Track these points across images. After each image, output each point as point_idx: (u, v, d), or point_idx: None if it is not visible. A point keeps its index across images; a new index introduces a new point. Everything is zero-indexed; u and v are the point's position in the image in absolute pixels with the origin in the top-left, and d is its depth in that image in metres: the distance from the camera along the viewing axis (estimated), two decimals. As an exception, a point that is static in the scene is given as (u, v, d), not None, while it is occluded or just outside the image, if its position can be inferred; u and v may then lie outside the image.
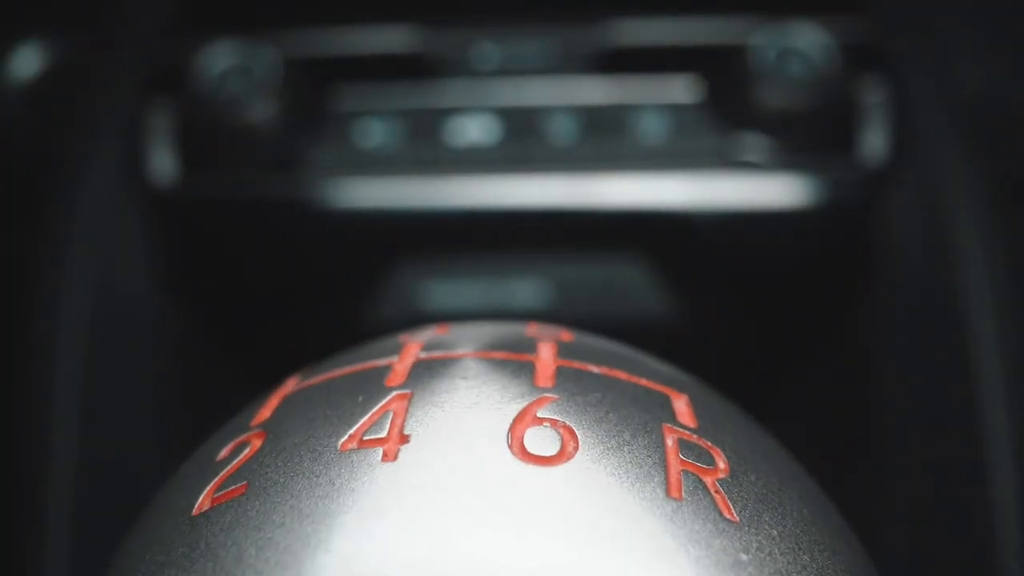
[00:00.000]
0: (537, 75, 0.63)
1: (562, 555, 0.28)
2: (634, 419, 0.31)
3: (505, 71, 0.63)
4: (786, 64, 0.61)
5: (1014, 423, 0.57)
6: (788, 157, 0.60)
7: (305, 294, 0.66)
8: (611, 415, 0.31)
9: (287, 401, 0.33)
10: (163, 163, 0.61)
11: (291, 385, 0.34)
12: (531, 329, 0.36)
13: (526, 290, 0.63)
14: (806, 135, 0.61)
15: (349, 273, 0.64)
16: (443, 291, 0.63)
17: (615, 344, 0.37)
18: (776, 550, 0.30)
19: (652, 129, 0.61)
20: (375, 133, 0.62)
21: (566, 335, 0.35)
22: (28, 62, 0.70)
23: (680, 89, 0.62)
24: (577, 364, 0.33)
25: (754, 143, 0.61)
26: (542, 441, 0.30)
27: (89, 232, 0.63)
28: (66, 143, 0.66)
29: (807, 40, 0.61)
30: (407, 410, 0.31)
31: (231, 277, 0.66)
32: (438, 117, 0.62)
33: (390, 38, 0.64)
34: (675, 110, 0.61)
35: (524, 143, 0.61)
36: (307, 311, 0.66)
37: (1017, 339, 0.60)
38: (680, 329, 0.63)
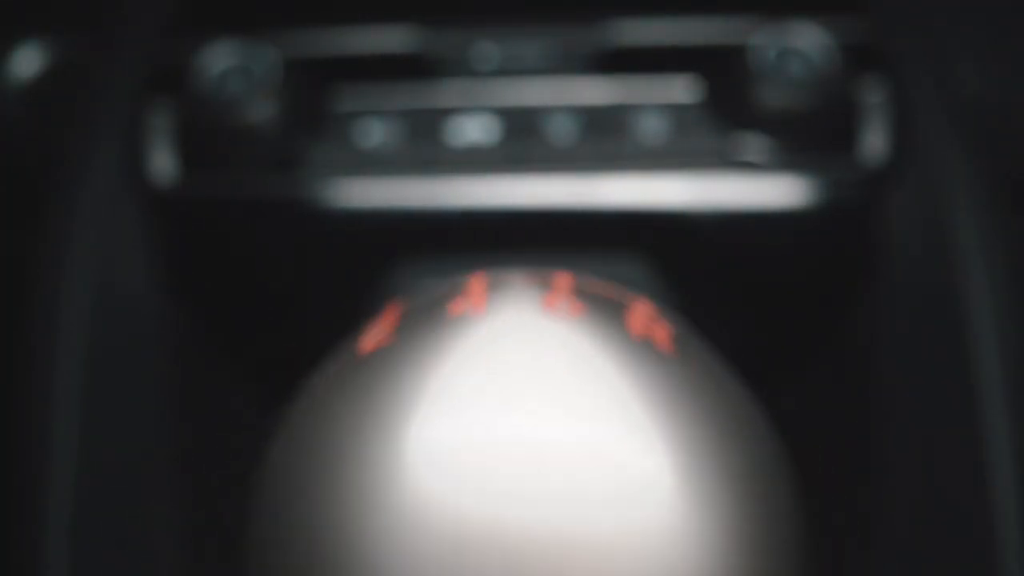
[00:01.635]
0: (537, 75, 0.63)
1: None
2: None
3: (505, 71, 0.63)
4: (786, 64, 0.61)
5: (1014, 423, 0.57)
6: (788, 157, 0.60)
7: (305, 294, 0.66)
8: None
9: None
10: (163, 163, 0.61)
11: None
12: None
13: (526, 290, 0.63)
14: (806, 135, 0.61)
15: (349, 273, 0.64)
16: (443, 291, 0.63)
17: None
18: None
19: (652, 129, 0.61)
20: (375, 133, 0.62)
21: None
22: (28, 62, 0.70)
23: (680, 89, 0.62)
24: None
25: (754, 143, 0.61)
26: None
27: (89, 232, 0.63)
28: (66, 143, 0.66)
29: (807, 40, 0.61)
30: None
31: (231, 277, 0.66)
32: (438, 117, 0.62)
33: (390, 38, 0.64)
34: (675, 110, 0.61)
35: (524, 143, 0.61)
36: (307, 311, 0.66)
37: (1017, 339, 0.60)
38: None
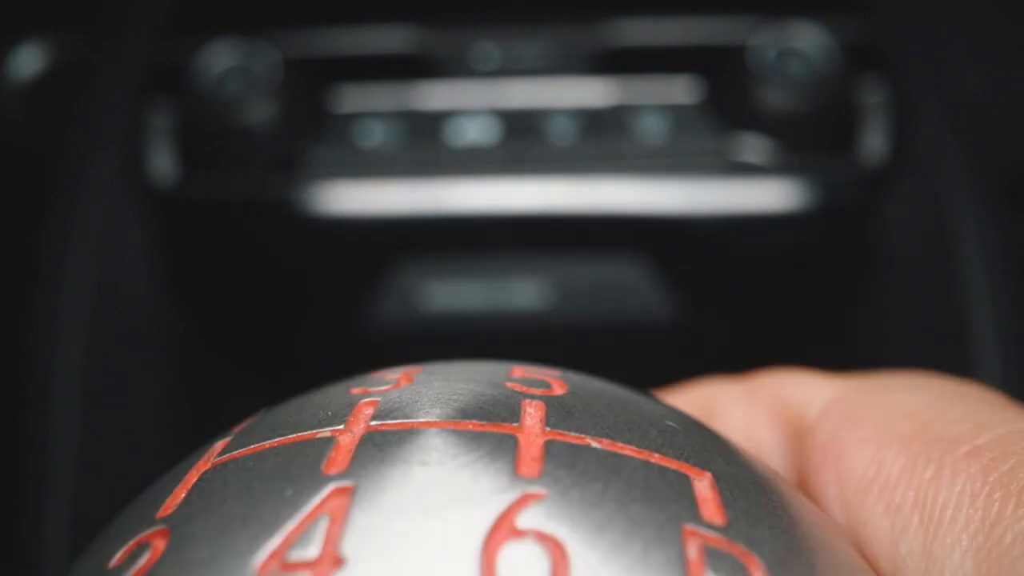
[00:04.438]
0: (537, 75, 0.63)
1: None
2: (647, 522, 0.24)
3: (505, 71, 0.63)
4: (786, 64, 0.61)
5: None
6: (788, 157, 0.60)
7: (305, 294, 0.66)
8: (616, 518, 0.23)
9: (203, 483, 0.26)
10: (163, 163, 0.61)
11: (214, 454, 0.27)
12: (515, 379, 0.28)
13: (526, 290, 0.63)
14: (806, 135, 0.61)
15: (349, 273, 0.64)
16: (443, 291, 0.63)
17: (618, 391, 0.29)
18: None
19: (652, 129, 0.61)
20: (375, 133, 0.62)
21: (558, 385, 0.28)
22: (28, 62, 0.70)
23: (680, 89, 0.62)
24: (571, 436, 0.26)
25: (754, 143, 0.61)
26: (524, 567, 0.22)
27: (89, 232, 0.63)
28: (66, 143, 0.66)
29: (807, 40, 0.61)
30: (346, 515, 0.23)
31: (231, 277, 0.66)
32: (438, 118, 0.62)
33: (390, 38, 0.64)
34: (675, 110, 0.61)
35: (524, 143, 0.61)
36: (307, 311, 0.66)
37: (1017, 339, 0.60)
38: (680, 330, 0.63)
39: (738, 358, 0.67)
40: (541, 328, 0.63)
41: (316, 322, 0.66)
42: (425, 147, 0.61)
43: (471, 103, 0.62)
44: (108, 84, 0.66)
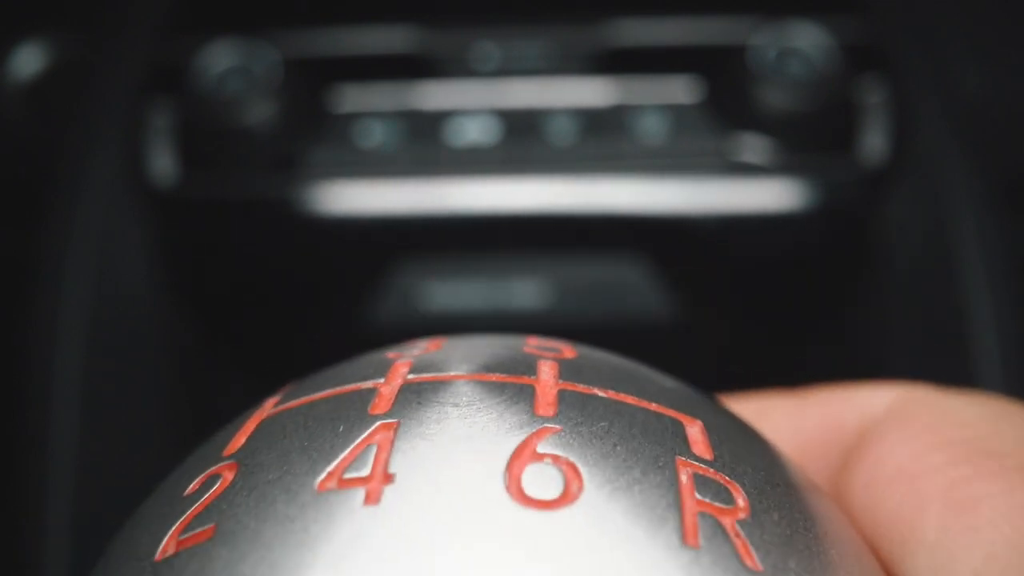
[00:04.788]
0: (537, 75, 0.63)
1: None
2: (645, 452, 0.28)
3: (505, 71, 0.63)
4: (786, 64, 0.61)
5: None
6: (788, 157, 0.60)
7: (305, 294, 0.66)
8: (619, 448, 0.28)
9: (263, 427, 0.30)
10: (163, 163, 0.61)
11: (268, 408, 0.32)
12: (530, 345, 0.33)
13: (526, 291, 0.63)
14: (806, 135, 0.61)
15: (349, 273, 0.64)
16: (443, 291, 0.63)
17: (621, 360, 0.34)
18: None
19: (652, 129, 0.61)
20: (375, 133, 0.62)
21: (568, 351, 0.33)
22: (28, 62, 0.70)
23: (680, 89, 0.62)
24: (581, 387, 0.30)
25: (754, 143, 0.61)
26: (543, 481, 0.27)
27: (89, 232, 0.63)
28: (66, 143, 0.66)
29: (807, 40, 0.61)
30: (392, 443, 0.28)
31: (231, 277, 0.66)
32: (438, 118, 0.62)
33: (390, 38, 0.64)
34: (675, 110, 0.61)
35: (524, 143, 0.61)
36: (307, 311, 0.66)
37: (1017, 339, 0.60)
38: (680, 330, 0.63)
39: (738, 358, 0.67)
40: (541, 328, 0.63)
41: (316, 322, 0.66)
42: (425, 147, 0.61)
43: (471, 103, 0.62)
44: (108, 84, 0.66)
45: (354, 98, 0.62)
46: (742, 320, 0.66)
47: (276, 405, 0.31)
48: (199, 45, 0.62)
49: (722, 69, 0.61)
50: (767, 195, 0.61)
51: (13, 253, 0.67)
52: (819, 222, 0.61)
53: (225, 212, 0.63)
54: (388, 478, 0.27)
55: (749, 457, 0.30)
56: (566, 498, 0.26)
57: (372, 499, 0.26)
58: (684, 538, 0.26)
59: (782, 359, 0.67)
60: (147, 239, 0.64)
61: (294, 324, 0.67)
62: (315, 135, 0.61)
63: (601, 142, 0.61)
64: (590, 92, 0.62)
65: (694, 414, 0.30)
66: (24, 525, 0.59)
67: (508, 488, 0.26)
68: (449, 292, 0.63)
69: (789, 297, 0.66)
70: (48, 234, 0.64)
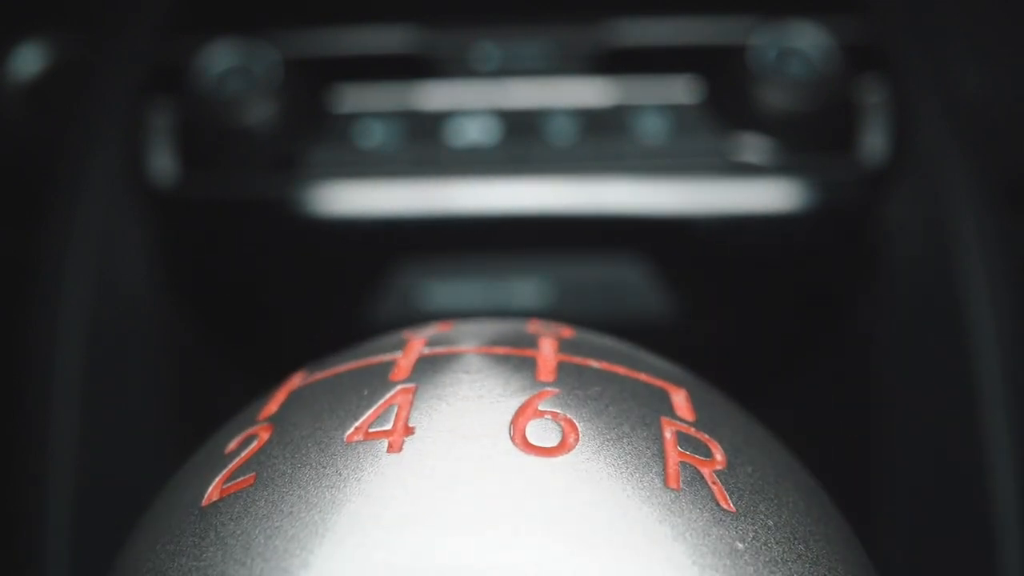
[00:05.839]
0: (537, 75, 0.63)
1: (560, 545, 0.28)
2: (633, 412, 0.32)
3: (505, 71, 0.63)
4: (786, 64, 0.61)
5: (1014, 423, 0.57)
6: (788, 157, 0.61)
7: (305, 294, 0.66)
8: (611, 408, 0.32)
9: (294, 395, 0.34)
10: (163, 163, 0.62)
11: (297, 380, 0.35)
12: (533, 325, 0.36)
13: (526, 290, 0.63)
14: (806, 135, 0.61)
15: (349, 273, 0.64)
16: (443, 292, 0.63)
17: (615, 340, 0.37)
18: (771, 539, 0.30)
19: (652, 130, 0.61)
20: (375, 134, 0.62)
21: (567, 331, 0.36)
22: (28, 62, 0.70)
23: (680, 89, 0.62)
24: (577, 359, 0.34)
25: (754, 143, 0.61)
26: (543, 433, 0.31)
27: (89, 232, 0.63)
28: (66, 143, 0.66)
29: (807, 40, 0.61)
30: (411, 403, 0.31)
31: (231, 277, 0.66)
32: (438, 118, 0.62)
33: (390, 38, 0.64)
34: (675, 110, 0.61)
35: (524, 144, 0.61)
36: (307, 311, 0.66)
37: (1017, 339, 0.60)
38: (680, 330, 0.63)
39: (738, 358, 0.67)
40: (541, 328, 0.63)
41: (316, 322, 0.66)
42: (425, 147, 0.61)
43: (471, 103, 0.62)
44: (108, 84, 0.66)
45: (354, 98, 0.62)
46: (742, 320, 0.66)
47: (304, 378, 0.35)
48: (199, 45, 0.62)
49: (722, 69, 0.61)
50: (767, 195, 0.61)
51: (13, 253, 0.67)
52: (819, 222, 0.61)
53: (225, 212, 0.63)
54: (408, 431, 0.30)
55: (728, 421, 0.34)
56: (563, 447, 0.30)
57: (395, 448, 0.30)
58: (666, 481, 0.30)
59: (782, 358, 0.67)
60: (147, 239, 0.64)
61: (294, 324, 0.67)
62: (315, 135, 0.61)
63: (601, 142, 0.61)
64: (590, 92, 0.62)
65: (679, 384, 0.34)
66: (24, 525, 0.59)
67: (513, 438, 0.30)
68: (449, 292, 0.63)
69: (789, 297, 0.66)
70: (48, 234, 0.64)
